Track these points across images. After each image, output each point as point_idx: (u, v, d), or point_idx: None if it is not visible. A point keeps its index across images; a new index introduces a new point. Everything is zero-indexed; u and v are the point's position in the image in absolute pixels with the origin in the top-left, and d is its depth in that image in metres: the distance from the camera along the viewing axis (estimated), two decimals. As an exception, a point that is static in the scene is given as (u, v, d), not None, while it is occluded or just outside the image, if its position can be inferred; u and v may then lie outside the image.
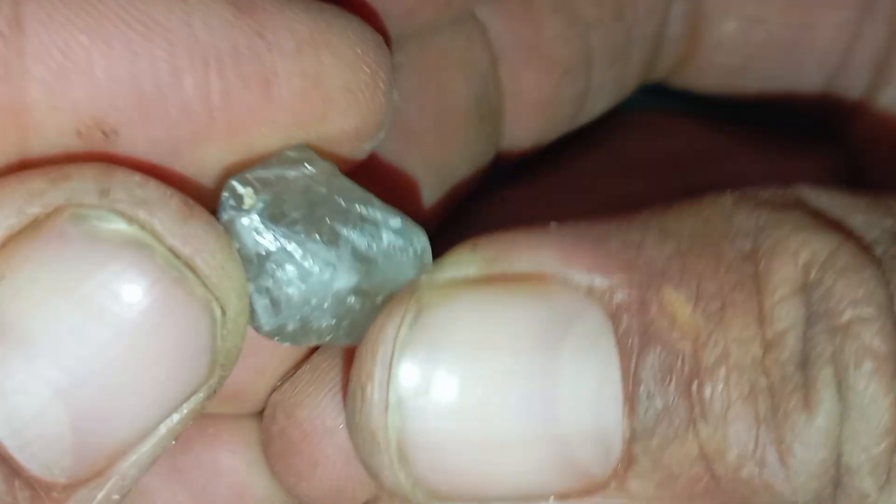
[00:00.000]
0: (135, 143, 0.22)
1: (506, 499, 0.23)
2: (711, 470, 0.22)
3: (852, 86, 0.38)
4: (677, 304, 0.22)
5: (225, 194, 0.23)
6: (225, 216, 0.23)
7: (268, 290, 0.23)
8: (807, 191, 0.24)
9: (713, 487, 0.22)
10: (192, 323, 0.21)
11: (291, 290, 0.23)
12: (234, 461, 0.31)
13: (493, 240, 0.23)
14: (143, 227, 0.21)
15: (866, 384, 0.21)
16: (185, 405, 0.22)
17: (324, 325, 0.24)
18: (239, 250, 0.23)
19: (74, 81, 0.21)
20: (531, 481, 0.23)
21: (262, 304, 0.23)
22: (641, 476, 0.22)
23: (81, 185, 0.21)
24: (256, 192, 0.23)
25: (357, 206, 0.24)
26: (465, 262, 0.23)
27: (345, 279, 0.23)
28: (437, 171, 0.33)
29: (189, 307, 0.21)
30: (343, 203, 0.23)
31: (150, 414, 0.22)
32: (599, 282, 0.22)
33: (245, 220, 0.23)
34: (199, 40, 0.22)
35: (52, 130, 0.21)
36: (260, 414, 0.31)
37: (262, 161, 0.23)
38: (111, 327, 0.20)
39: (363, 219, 0.24)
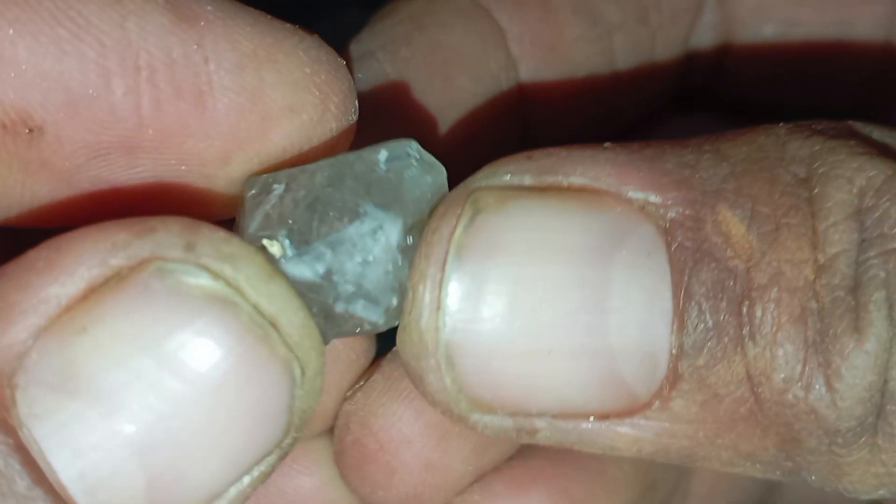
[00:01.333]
0: (61, 142, 0.22)
1: (546, 413, 0.23)
2: (756, 393, 0.22)
3: (892, 82, 0.38)
4: (732, 222, 0.22)
5: None
6: None
7: (356, 294, 0.23)
8: (859, 125, 0.24)
9: (756, 411, 0.22)
10: (273, 382, 0.21)
11: (370, 276, 0.23)
12: (314, 482, 0.31)
13: (548, 152, 0.23)
14: (228, 283, 0.20)
15: None
16: (256, 468, 0.22)
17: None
18: (304, 286, 0.23)
19: (0, 74, 0.21)
20: (574, 396, 0.22)
21: (360, 306, 0.23)
22: (685, 396, 0.22)
23: (167, 238, 0.20)
24: (272, 238, 0.23)
25: (342, 172, 0.23)
26: (520, 170, 0.23)
27: (393, 230, 0.23)
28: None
29: (271, 366, 0.21)
30: (331, 183, 0.23)
31: (223, 475, 0.21)
32: (654, 198, 0.22)
33: (289, 264, 0.23)
34: (131, 44, 0.21)
35: None
36: (329, 431, 0.31)
37: (242, 217, 0.23)
38: (193, 385, 0.20)
39: (356, 177, 0.23)
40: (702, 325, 0.22)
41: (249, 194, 0.23)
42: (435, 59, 0.33)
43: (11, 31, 0.21)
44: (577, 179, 0.23)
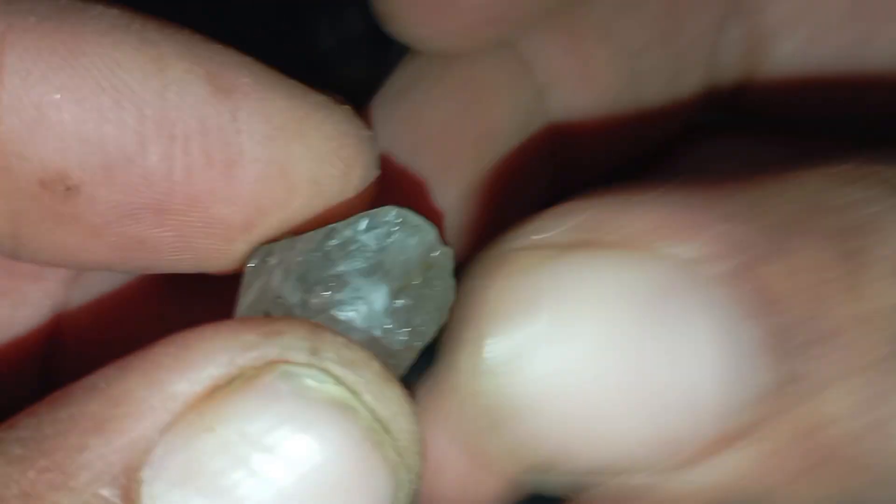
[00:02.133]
0: (95, 201, 0.23)
1: (599, 472, 0.23)
2: (823, 442, 0.22)
3: None
4: (776, 276, 0.22)
5: None
6: None
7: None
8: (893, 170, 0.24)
9: (828, 458, 0.22)
10: (382, 487, 0.21)
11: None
12: None
13: (587, 205, 0.23)
14: (349, 388, 0.21)
15: None
16: None
17: (402, 339, 0.24)
18: None
19: (43, 135, 0.22)
20: (627, 452, 0.22)
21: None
22: (742, 451, 0.22)
23: (293, 342, 0.21)
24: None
25: (328, 244, 0.24)
26: (554, 228, 0.23)
27: (377, 297, 0.24)
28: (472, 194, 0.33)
29: (382, 471, 0.21)
30: (318, 252, 0.24)
31: None
32: (696, 253, 0.22)
33: None
34: (169, 114, 0.22)
35: (19, 177, 0.22)
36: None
37: (241, 290, 0.24)
38: (314, 487, 0.20)
39: (342, 247, 0.24)
40: (757, 380, 0.21)
41: (249, 266, 0.24)
42: (467, 94, 0.33)
43: (58, 97, 0.22)
44: (617, 235, 0.22)
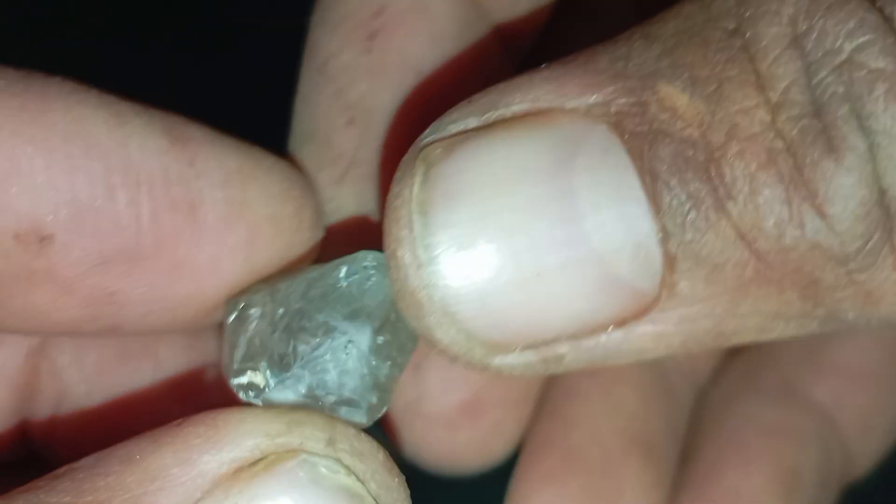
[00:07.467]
0: (69, 251, 0.24)
1: (563, 336, 0.23)
2: (754, 249, 0.21)
3: None
4: (674, 95, 0.22)
5: (241, 395, 0.25)
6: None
7: (337, 402, 0.25)
8: None
9: (762, 268, 0.21)
10: None
11: (348, 385, 0.25)
12: None
13: (486, 91, 0.23)
14: (358, 478, 0.22)
15: (885, 105, 0.20)
16: None
17: (385, 373, 0.25)
18: (288, 405, 0.25)
19: (17, 186, 0.23)
20: (581, 310, 0.22)
21: (343, 412, 0.25)
22: (687, 275, 0.22)
23: (312, 432, 0.23)
24: (255, 369, 0.25)
25: (309, 291, 0.25)
26: (463, 115, 0.23)
27: (363, 339, 0.24)
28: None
29: None
30: (301, 302, 0.25)
31: None
32: (594, 99, 0.22)
33: (273, 393, 0.24)
34: (133, 162, 0.24)
35: None
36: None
37: (226, 345, 0.26)
38: None
39: (323, 295, 0.25)
40: (676, 201, 0.21)
41: (230, 321, 0.26)
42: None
43: (30, 149, 0.24)
44: (519, 107, 0.22)
